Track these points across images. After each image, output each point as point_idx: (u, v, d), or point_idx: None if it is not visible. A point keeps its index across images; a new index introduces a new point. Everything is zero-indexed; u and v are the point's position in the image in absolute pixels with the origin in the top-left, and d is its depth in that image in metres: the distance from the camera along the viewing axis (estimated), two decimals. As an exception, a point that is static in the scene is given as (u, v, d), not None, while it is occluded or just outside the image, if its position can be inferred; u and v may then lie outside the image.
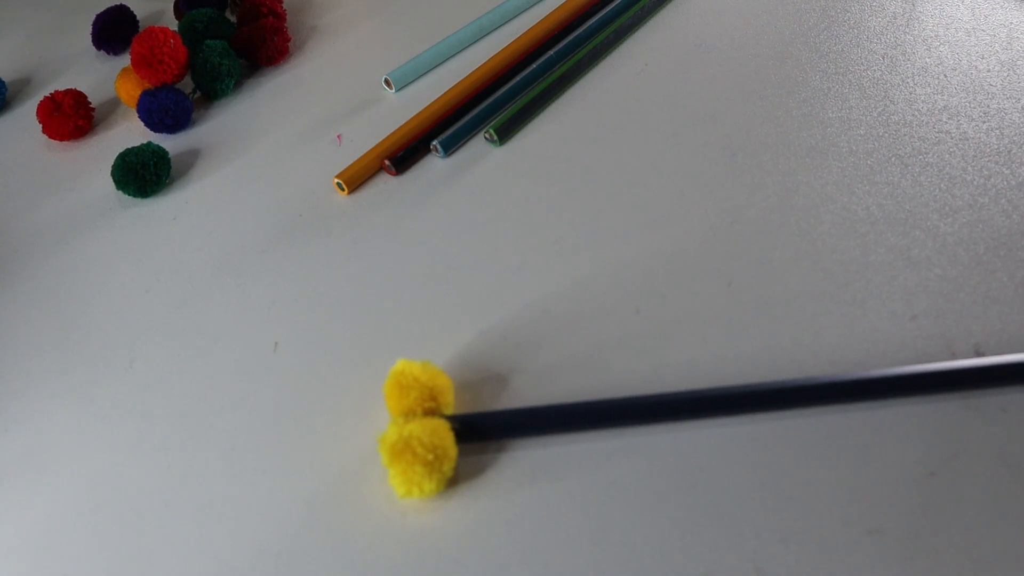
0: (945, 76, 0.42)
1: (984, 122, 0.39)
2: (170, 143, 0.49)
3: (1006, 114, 0.39)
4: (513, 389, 0.33)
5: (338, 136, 0.47)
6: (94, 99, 0.53)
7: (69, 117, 0.50)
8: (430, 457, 0.28)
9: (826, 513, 0.27)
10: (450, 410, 0.31)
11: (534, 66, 0.48)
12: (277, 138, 0.48)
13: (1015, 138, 0.38)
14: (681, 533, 0.27)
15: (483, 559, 0.28)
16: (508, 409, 0.31)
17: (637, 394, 0.31)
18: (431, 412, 0.30)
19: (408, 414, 0.30)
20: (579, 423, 0.31)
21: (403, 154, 0.44)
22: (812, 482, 0.28)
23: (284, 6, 0.56)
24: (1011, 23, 0.44)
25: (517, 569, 0.27)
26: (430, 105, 0.47)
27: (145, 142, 0.46)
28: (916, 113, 0.40)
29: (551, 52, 0.49)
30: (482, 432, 0.31)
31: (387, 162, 0.44)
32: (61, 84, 0.56)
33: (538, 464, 0.30)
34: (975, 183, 0.36)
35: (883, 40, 0.45)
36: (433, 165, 0.44)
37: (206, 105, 0.52)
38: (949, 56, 0.43)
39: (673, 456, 0.29)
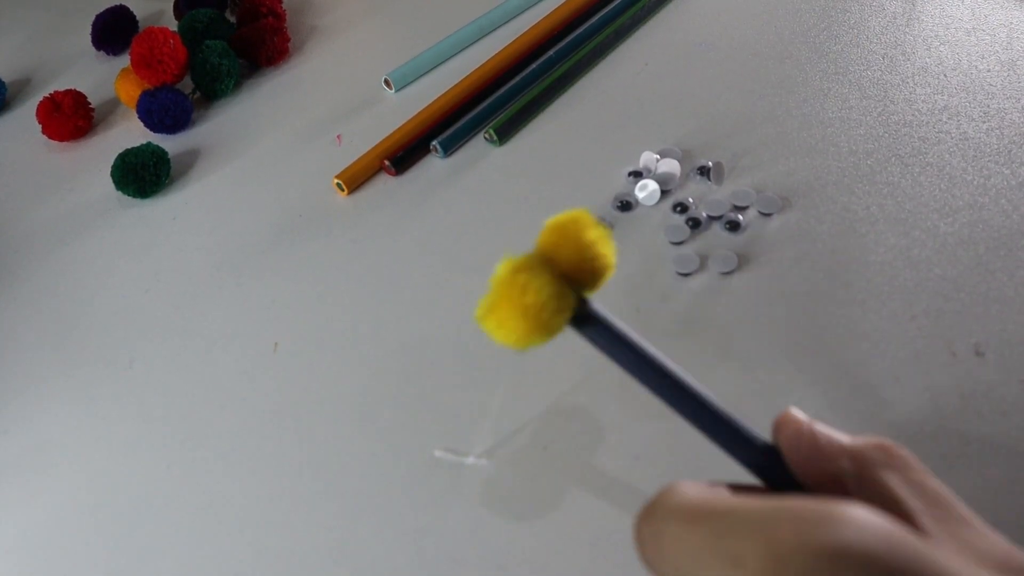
0: (945, 76, 0.42)
1: (984, 122, 0.39)
2: (170, 143, 0.49)
3: (1006, 114, 0.39)
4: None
5: (338, 136, 0.47)
6: (94, 99, 0.53)
7: (69, 117, 0.50)
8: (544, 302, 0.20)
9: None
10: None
11: (534, 66, 0.48)
12: (277, 138, 0.48)
13: (1015, 138, 0.38)
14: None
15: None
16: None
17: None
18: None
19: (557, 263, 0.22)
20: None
21: (403, 154, 0.44)
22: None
23: (284, 6, 0.56)
24: (1011, 23, 0.44)
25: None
26: (430, 105, 0.47)
27: (145, 142, 0.46)
28: (916, 113, 0.40)
29: (551, 52, 0.49)
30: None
31: (387, 162, 0.44)
32: (61, 84, 0.56)
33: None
34: (975, 183, 0.36)
35: (883, 40, 0.45)
36: (433, 165, 0.44)
37: (206, 105, 0.52)
38: (949, 56, 0.43)
39: (680, 450, 0.29)
